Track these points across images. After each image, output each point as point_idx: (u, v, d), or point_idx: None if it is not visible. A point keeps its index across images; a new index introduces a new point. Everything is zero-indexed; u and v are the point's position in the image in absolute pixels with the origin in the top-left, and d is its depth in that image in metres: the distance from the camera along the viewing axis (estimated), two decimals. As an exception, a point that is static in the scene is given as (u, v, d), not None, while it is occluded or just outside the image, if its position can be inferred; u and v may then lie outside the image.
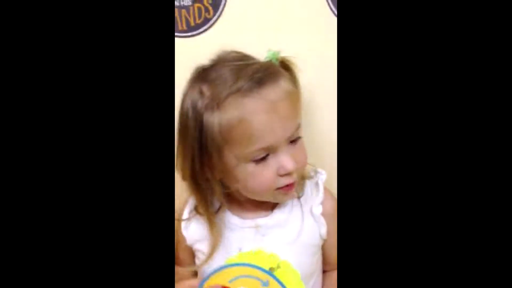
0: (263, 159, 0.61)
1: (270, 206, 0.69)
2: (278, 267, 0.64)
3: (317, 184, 0.70)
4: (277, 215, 0.68)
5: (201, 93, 0.61)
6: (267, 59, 0.65)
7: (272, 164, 0.61)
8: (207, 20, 0.78)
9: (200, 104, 0.61)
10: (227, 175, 0.64)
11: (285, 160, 0.61)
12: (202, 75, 0.64)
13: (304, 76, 0.68)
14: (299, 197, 0.69)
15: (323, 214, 0.68)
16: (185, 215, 0.71)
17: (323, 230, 0.68)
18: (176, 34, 0.78)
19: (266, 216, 0.68)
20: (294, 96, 0.64)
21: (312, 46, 0.75)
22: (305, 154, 0.65)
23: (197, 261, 0.71)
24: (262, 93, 0.60)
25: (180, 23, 0.78)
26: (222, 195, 0.67)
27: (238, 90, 0.59)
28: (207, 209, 0.68)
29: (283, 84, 0.63)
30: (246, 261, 0.64)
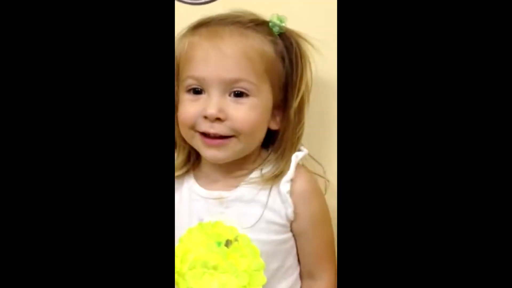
0: (196, 93, 0.63)
1: (236, 181, 0.67)
2: (236, 240, 0.63)
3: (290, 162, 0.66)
4: (242, 189, 0.66)
5: None
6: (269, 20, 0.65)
7: (200, 102, 0.62)
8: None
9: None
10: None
11: (210, 102, 0.61)
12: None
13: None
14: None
15: (292, 193, 0.65)
16: None
17: (290, 211, 0.64)
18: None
19: (230, 189, 0.67)
20: (258, 55, 0.62)
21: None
22: (251, 116, 0.62)
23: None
24: (220, 31, 0.62)
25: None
26: (189, 159, 0.70)
27: (206, 22, 0.64)
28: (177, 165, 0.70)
29: (252, 39, 0.62)
30: (205, 232, 0.65)
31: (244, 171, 0.68)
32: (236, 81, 0.61)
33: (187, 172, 0.71)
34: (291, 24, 0.66)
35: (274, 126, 0.67)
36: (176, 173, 0.70)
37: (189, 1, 0.80)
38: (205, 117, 0.62)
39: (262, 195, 0.66)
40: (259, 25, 0.64)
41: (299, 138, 0.68)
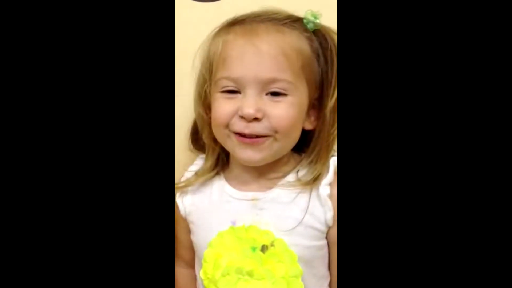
0: (231, 93, 0.60)
1: (270, 183, 0.64)
2: (272, 245, 0.60)
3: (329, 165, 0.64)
4: (278, 191, 0.63)
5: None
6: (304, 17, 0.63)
7: (236, 101, 0.60)
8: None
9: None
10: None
11: (247, 102, 0.58)
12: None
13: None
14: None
15: (331, 197, 0.62)
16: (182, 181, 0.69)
17: (329, 215, 0.62)
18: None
19: (265, 191, 0.64)
20: (295, 52, 0.60)
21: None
22: (290, 115, 0.60)
23: (192, 236, 0.68)
24: (256, 27, 0.61)
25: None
26: (217, 163, 0.68)
27: (240, 20, 0.62)
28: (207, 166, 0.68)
29: (289, 35, 0.61)
30: (238, 236, 0.62)
31: (278, 174, 0.65)
32: (274, 81, 0.59)
33: (216, 174, 0.68)
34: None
35: (308, 126, 0.64)
36: (205, 176, 0.67)
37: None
38: (241, 117, 0.59)
39: (301, 198, 0.63)
40: (295, 21, 0.63)
41: (334, 139, 0.65)
